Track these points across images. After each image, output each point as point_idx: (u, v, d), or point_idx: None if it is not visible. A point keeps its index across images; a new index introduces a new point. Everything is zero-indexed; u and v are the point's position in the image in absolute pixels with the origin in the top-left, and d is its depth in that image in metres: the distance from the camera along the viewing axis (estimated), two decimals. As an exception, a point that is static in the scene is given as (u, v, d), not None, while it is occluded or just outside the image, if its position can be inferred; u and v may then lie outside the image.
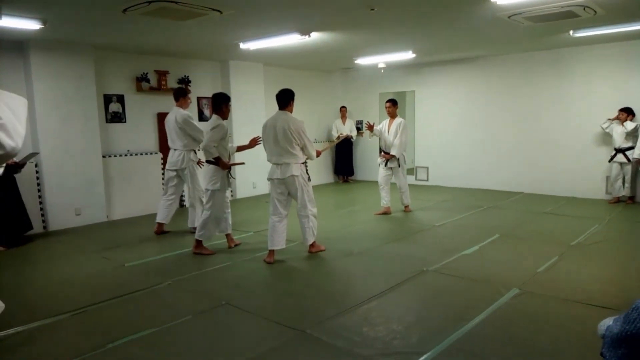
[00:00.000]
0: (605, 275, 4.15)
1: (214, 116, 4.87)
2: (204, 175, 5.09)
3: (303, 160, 4.66)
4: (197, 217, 5.68)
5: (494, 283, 3.90)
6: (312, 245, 4.87)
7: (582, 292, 3.68)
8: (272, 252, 4.66)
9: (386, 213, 6.86)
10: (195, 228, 5.63)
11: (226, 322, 3.35)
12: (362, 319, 3.28)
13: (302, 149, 4.59)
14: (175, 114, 5.65)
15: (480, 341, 2.92)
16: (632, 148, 6.99)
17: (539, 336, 2.96)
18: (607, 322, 1.46)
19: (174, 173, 5.77)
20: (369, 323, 3.22)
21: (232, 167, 5.00)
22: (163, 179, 7.30)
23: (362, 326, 3.17)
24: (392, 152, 6.63)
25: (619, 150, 7.16)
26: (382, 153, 6.87)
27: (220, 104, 4.88)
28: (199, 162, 5.76)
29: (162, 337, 3.12)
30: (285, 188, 4.65)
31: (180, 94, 5.79)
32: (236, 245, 5.27)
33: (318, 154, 4.81)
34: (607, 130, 7.29)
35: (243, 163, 5.56)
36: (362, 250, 5.05)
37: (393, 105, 6.72)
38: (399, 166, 6.71)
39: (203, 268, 4.53)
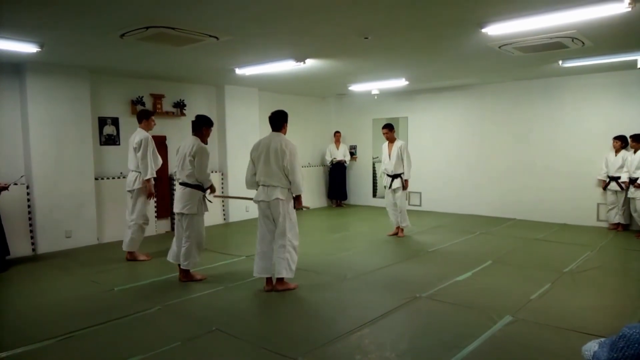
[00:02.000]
0: (598, 303, 4.15)
1: (194, 139, 4.69)
2: (176, 199, 4.75)
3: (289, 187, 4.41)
4: (126, 241, 5.65)
5: (487, 310, 3.88)
6: (280, 281, 4.42)
7: (574, 319, 3.66)
8: (269, 279, 4.48)
9: (396, 234, 6.97)
10: (129, 253, 5.71)
11: (216, 348, 3.29)
12: (355, 347, 3.24)
13: (286, 175, 4.33)
14: (136, 135, 5.60)
15: (474, 370, 2.88)
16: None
17: (533, 365, 2.94)
18: (593, 347, 1.46)
19: (130, 194, 5.66)
20: (361, 351, 3.17)
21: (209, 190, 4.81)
22: (155, 202, 7.32)
23: (355, 354, 3.12)
24: (405, 177, 6.75)
25: (612, 179, 7.22)
26: (386, 175, 6.93)
27: (201, 126, 4.77)
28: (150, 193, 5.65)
29: None
30: (271, 213, 4.41)
31: (143, 116, 5.71)
32: (198, 279, 4.86)
33: (299, 203, 4.51)
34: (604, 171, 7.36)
35: (250, 198, 4.91)
36: (355, 275, 5.02)
37: (390, 131, 6.82)
38: (403, 188, 6.81)
39: (193, 293, 4.48)
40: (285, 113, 4.58)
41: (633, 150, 6.92)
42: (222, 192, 8.58)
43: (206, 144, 4.79)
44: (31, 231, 6.27)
